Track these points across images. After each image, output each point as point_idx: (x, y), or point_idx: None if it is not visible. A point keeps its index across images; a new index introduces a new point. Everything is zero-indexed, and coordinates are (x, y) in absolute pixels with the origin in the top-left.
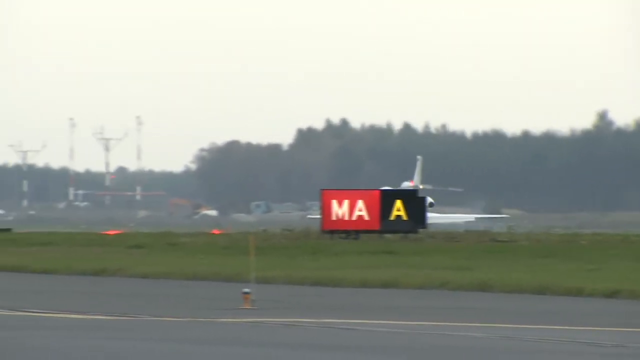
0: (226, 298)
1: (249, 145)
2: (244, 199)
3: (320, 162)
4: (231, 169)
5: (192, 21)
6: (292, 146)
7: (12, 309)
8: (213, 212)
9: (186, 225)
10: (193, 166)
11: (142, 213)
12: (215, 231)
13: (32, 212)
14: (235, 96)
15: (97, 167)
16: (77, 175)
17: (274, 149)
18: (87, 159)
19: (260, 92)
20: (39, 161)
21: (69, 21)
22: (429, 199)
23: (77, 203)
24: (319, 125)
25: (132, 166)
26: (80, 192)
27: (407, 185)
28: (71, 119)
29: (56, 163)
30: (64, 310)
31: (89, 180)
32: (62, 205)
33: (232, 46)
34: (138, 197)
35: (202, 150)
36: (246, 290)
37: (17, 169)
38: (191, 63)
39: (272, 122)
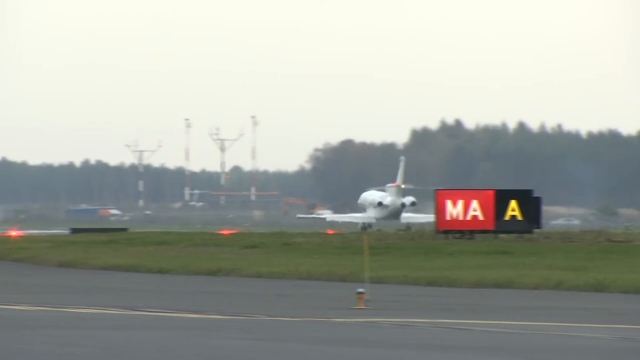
0: (340, 298)
1: (363, 145)
2: (359, 198)
3: (434, 162)
4: (345, 168)
5: (309, 24)
6: (407, 146)
7: (129, 308)
8: (327, 212)
9: (301, 225)
10: (307, 166)
11: (257, 213)
12: (330, 231)
13: (148, 212)
14: (350, 96)
15: (213, 167)
16: (193, 175)
17: (388, 148)
18: (203, 159)
19: (375, 92)
20: (155, 161)
21: (184, 21)
22: (411, 198)
23: (192, 203)
24: (434, 125)
25: (247, 166)
26: (196, 192)
27: (390, 186)
28: (187, 119)
29: (172, 163)
30: (180, 310)
31: (205, 180)
32: (177, 205)
33: (348, 48)
34: (253, 197)
35: (316, 150)
36: (360, 290)
37: (134, 169)
38: (306, 64)
39: (387, 122)
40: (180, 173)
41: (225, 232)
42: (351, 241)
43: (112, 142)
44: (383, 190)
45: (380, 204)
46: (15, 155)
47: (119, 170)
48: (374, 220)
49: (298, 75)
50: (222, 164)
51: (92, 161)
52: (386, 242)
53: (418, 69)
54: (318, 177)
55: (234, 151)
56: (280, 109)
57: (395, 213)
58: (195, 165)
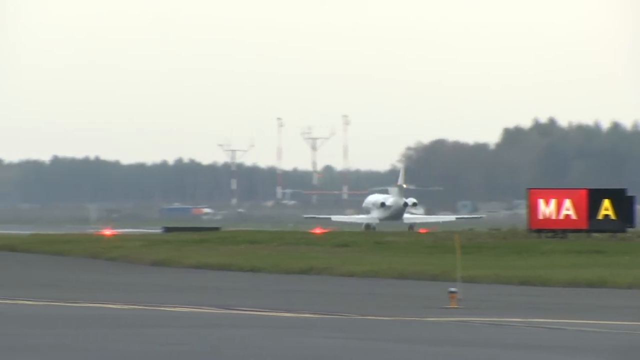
0: (432, 297)
1: (455, 144)
2: (450, 198)
3: (527, 161)
4: (437, 167)
5: (391, 26)
6: (499, 145)
7: (223, 307)
8: (419, 211)
9: (392, 224)
10: (399, 165)
11: (349, 212)
12: (422, 230)
13: (240, 211)
14: (441, 95)
15: (305, 166)
16: (285, 174)
17: (480, 148)
18: (295, 158)
19: (467, 90)
20: (248, 160)
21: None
22: (412, 199)
23: (284, 201)
24: (526, 124)
25: (338, 165)
26: (288, 190)
27: (392, 189)
28: (279, 118)
29: (264, 162)
30: (273, 309)
31: (297, 179)
32: (270, 203)
33: (435, 47)
34: (345, 196)
35: (408, 149)
36: (452, 289)
37: (226, 168)
38: (395, 64)
39: (479, 121)
40: (272, 172)
41: (317, 230)
42: (442, 240)
43: (205, 141)
44: (386, 192)
45: (382, 204)
46: (108, 154)
47: (212, 169)
48: (377, 221)
49: (389, 77)
50: (314, 163)
51: (185, 160)
52: (477, 241)
53: (512, 68)
54: (409, 176)
55: (325, 150)
56: (372, 108)
57: (397, 213)
58: (287, 164)
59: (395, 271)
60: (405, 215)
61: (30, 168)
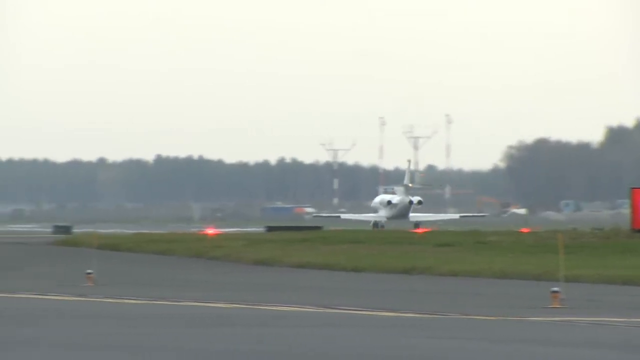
0: (535, 297)
1: (557, 144)
2: (553, 197)
3: (630, 160)
4: (540, 167)
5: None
6: (602, 144)
7: (325, 306)
8: (522, 211)
9: (495, 223)
10: (501, 164)
11: (451, 211)
12: (524, 230)
13: (342, 210)
14: (543, 94)
15: (406, 165)
16: (387, 173)
17: (583, 147)
18: (397, 157)
19: (570, 89)
20: (349, 159)
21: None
22: (418, 198)
23: None
24: (629, 123)
25: (440, 164)
26: (390, 189)
27: (398, 188)
28: (381, 117)
29: (366, 161)
30: (374, 308)
31: (398, 179)
32: (371, 202)
33: (534, 46)
34: (447, 196)
35: (510, 148)
36: (555, 289)
37: (328, 167)
38: (498, 61)
39: (582, 120)
40: (374, 171)
41: (418, 230)
42: (545, 240)
43: (308, 141)
44: (393, 192)
45: (389, 202)
46: (211, 153)
47: (314, 168)
48: (384, 219)
49: (490, 75)
50: (416, 162)
51: (288, 159)
52: (581, 241)
53: (615, 66)
54: (512, 175)
55: (428, 149)
56: (475, 107)
57: (403, 211)
58: (388, 163)
59: (497, 271)
60: (412, 214)
61: (134, 167)
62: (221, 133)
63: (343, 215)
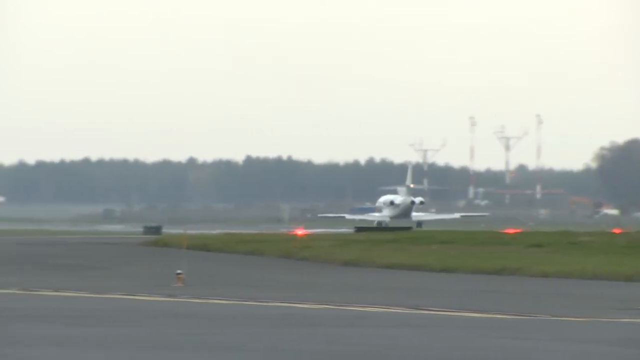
0: (627, 298)
1: None
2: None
3: None
4: (632, 167)
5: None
6: None
7: (412, 307)
8: (614, 211)
9: (587, 224)
10: (593, 164)
11: (542, 211)
12: (616, 230)
13: (432, 211)
14: (634, 95)
15: (497, 165)
16: (477, 173)
17: None
18: (487, 158)
19: None
20: (440, 160)
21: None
22: (420, 198)
23: (477, 201)
24: None
25: (531, 164)
26: (480, 190)
27: (400, 189)
28: (471, 117)
29: (456, 162)
30: (463, 309)
31: (489, 179)
32: (461, 203)
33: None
34: (538, 196)
35: (602, 148)
36: None
37: (418, 167)
38: (589, 62)
39: None
40: (464, 171)
41: (509, 231)
42: (637, 241)
43: (397, 141)
44: (396, 193)
45: (392, 203)
46: (300, 154)
47: (403, 168)
48: (388, 219)
49: (582, 76)
50: (507, 162)
51: (377, 160)
52: None
53: None
54: (603, 176)
55: (519, 149)
56: (566, 107)
57: (406, 211)
58: (479, 164)
59: (588, 272)
60: (414, 214)
61: (224, 168)
62: (310, 133)
63: (348, 216)
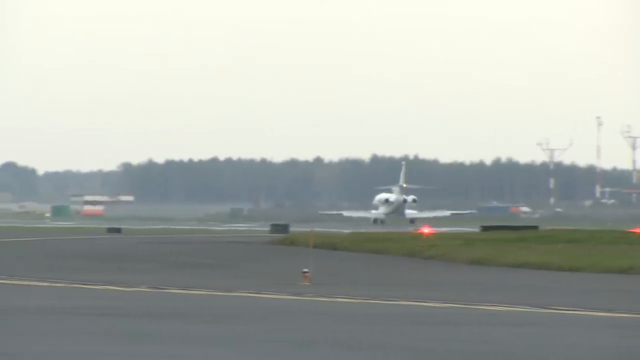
0: None
1: None
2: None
3: None
4: None
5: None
6: None
7: (538, 306)
8: None
9: (396, 218)
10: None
11: None
12: None
13: (558, 210)
14: None
15: (624, 164)
16: (604, 173)
17: None
18: (614, 157)
19: None
20: (566, 159)
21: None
22: (412, 197)
23: (603, 201)
24: None
25: None
26: (607, 189)
27: (394, 188)
28: (598, 117)
29: (582, 161)
30: (590, 308)
31: (615, 178)
32: (588, 202)
33: None
34: None
35: None
36: None
37: (544, 167)
38: None
39: None
40: (590, 171)
41: (636, 230)
42: None
43: (523, 140)
44: (390, 191)
45: (387, 200)
46: (426, 153)
47: (529, 168)
48: (383, 216)
49: None
50: (634, 161)
51: (503, 159)
52: None
53: None
54: None
55: None
56: None
57: (399, 208)
58: (606, 163)
59: None
60: (407, 211)
61: (350, 167)
62: (436, 133)
63: (345, 213)
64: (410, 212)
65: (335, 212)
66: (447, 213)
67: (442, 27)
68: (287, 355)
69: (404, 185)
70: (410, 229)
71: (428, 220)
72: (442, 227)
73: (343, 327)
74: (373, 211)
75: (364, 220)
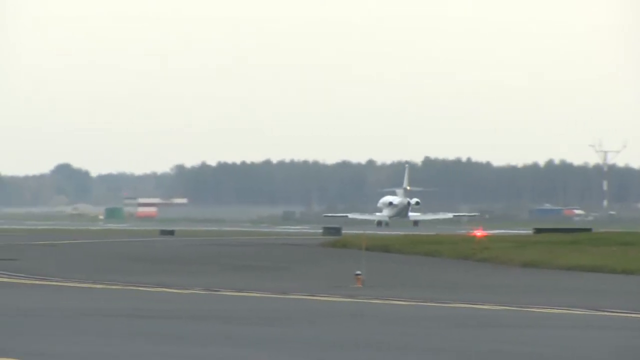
0: None
1: None
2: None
3: None
4: None
5: None
6: None
7: (592, 308)
8: None
9: (400, 221)
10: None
11: None
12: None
13: (612, 212)
14: None
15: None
16: None
17: None
18: None
19: None
20: (620, 161)
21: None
22: (416, 199)
23: None
24: None
25: None
26: None
27: (398, 190)
28: None
29: (636, 163)
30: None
31: None
32: None
33: None
34: None
35: None
36: None
37: (597, 169)
38: None
39: None
40: None
41: None
42: None
43: (577, 142)
44: (395, 194)
45: (390, 203)
46: (479, 155)
47: (583, 170)
48: (387, 219)
49: None
50: None
51: (556, 161)
52: None
53: None
54: None
55: None
56: None
57: (403, 210)
58: None
59: None
60: (410, 213)
61: (402, 169)
62: (490, 135)
63: (350, 215)
64: (413, 215)
65: (340, 214)
66: (450, 215)
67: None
68: (333, 357)
69: (408, 188)
70: (414, 231)
71: (431, 222)
72: (494, 229)
73: (393, 329)
74: (377, 214)
75: (369, 222)
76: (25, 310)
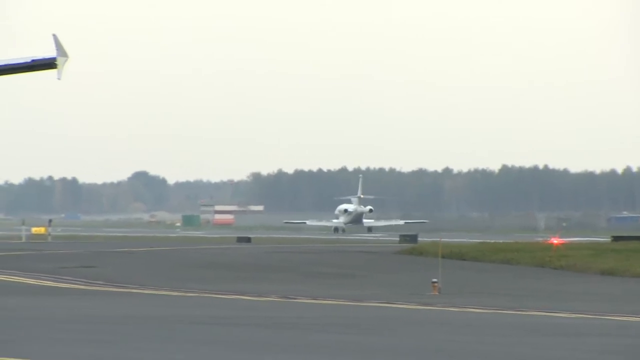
0: None
1: None
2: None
3: None
4: None
5: None
6: None
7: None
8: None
9: (356, 227)
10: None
11: None
12: None
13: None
14: None
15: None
16: None
17: None
18: None
19: None
20: None
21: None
22: (369, 207)
23: None
24: None
25: None
26: None
27: (353, 199)
28: None
29: None
30: None
31: None
32: None
33: None
34: None
35: None
36: None
37: None
38: None
39: None
40: None
41: None
42: None
43: None
44: (350, 202)
45: (346, 210)
46: (556, 162)
47: None
48: (343, 225)
49: None
50: None
51: (635, 168)
52: None
53: None
54: None
55: None
56: None
57: (357, 217)
58: None
59: None
60: (365, 220)
61: (479, 177)
62: (566, 141)
63: (308, 222)
64: (367, 221)
65: (299, 221)
66: (401, 222)
67: None
68: None
69: (361, 196)
70: (368, 236)
71: (384, 228)
72: (571, 237)
73: (467, 337)
74: (334, 220)
75: (326, 228)
76: (102, 317)
